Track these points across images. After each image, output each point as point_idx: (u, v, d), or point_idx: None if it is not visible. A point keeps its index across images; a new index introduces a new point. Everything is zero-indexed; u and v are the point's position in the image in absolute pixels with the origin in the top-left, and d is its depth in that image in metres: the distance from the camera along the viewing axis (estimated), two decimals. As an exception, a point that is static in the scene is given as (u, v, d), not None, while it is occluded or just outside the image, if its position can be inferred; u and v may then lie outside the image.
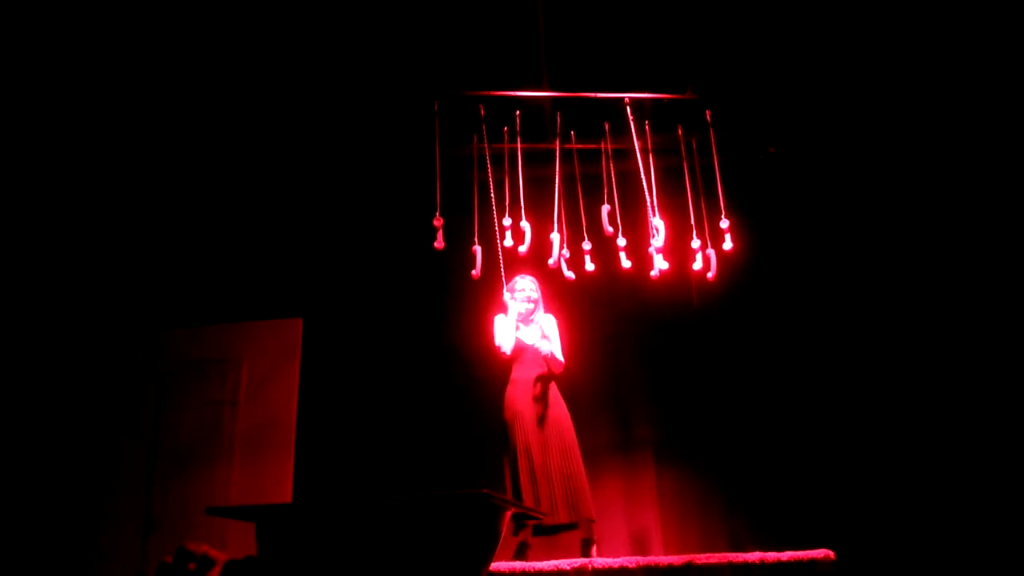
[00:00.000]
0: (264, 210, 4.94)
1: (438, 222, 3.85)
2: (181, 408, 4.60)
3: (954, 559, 3.95)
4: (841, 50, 4.31)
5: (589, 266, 4.05)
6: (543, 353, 3.82)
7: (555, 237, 3.97)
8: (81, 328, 4.71)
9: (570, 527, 3.67)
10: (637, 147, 4.10)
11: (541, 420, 3.77)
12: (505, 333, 3.87)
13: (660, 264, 3.94)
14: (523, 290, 4.01)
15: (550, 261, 3.94)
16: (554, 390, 3.90)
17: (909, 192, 4.65)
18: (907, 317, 4.52)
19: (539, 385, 3.85)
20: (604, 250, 4.12)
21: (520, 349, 3.91)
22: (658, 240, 3.95)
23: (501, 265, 3.92)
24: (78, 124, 4.48)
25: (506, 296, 3.94)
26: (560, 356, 3.94)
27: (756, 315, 4.66)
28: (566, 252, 4.02)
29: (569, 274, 4.01)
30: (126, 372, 4.70)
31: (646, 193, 4.04)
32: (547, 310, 4.09)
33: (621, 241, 4.02)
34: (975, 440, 4.21)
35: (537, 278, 4.09)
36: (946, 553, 3.98)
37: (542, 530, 3.66)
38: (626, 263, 3.99)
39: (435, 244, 3.83)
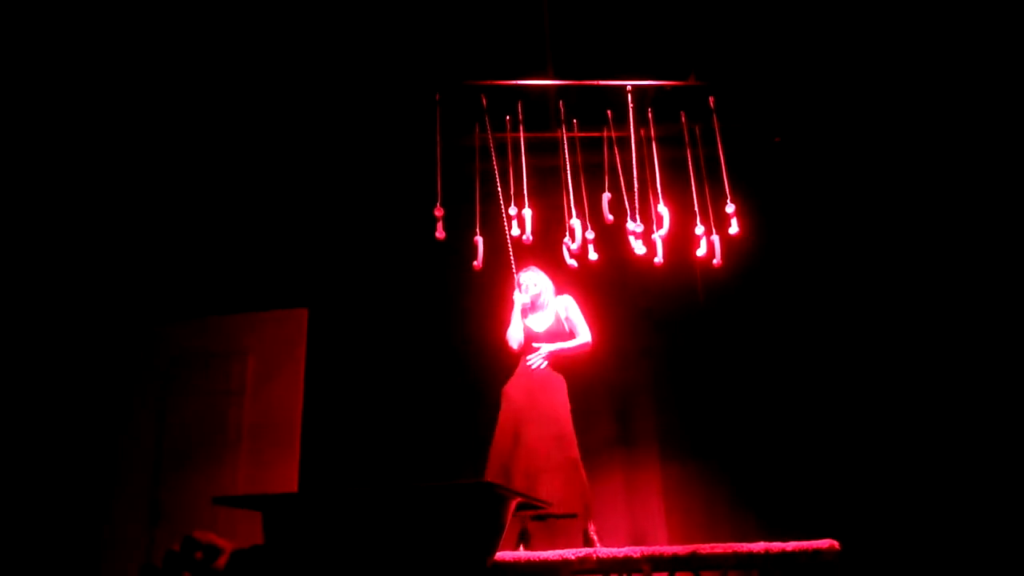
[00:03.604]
0: (268, 201, 4.94)
1: (439, 212, 3.86)
2: (187, 399, 4.62)
3: (957, 550, 3.95)
4: (845, 34, 4.28)
5: (592, 255, 4.05)
6: (543, 359, 3.85)
7: (576, 223, 3.98)
8: (86, 320, 4.73)
9: (544, 518, 3.68)
10: (635, 135, 4.09)
11: (535, 412, 3.76)
12: (513, 329, 3.92)
13: (659, 254, 3.94)
14: (525, 284, 4.04)
15: (572, 247, 3.94)
16: (556, 382, 3.88)
17: (916, 179, 4.63)
18: (912, 311, 4.50)
19: (539, 376, 3.86)
20: (609, 239, 4.11)
21: (532, 338, 3.94)
22: (661, 229, 3.96)
23: (511, 255, 3.93)
24: (83, 119, 4.48)
25: (516, 292, 3.99)
26: (586, 334, 3.96)
27: (761, 307, 4.65)
28: (568, 241, 4.02)
29: (572, 262, 4.02)
30: (132, 364, 4.72)
31: (648, 181, 4.03)
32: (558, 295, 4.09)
33: (633, 226, 4.01)
34: (979, 432, 4.20)
35: (543, 267, 4.10)
36: (950, 544, 3.98)
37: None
38: (639, 250, 3.98)
39: (436, 234, 3.84)
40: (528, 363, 3.88)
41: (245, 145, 4.77)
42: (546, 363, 3.89)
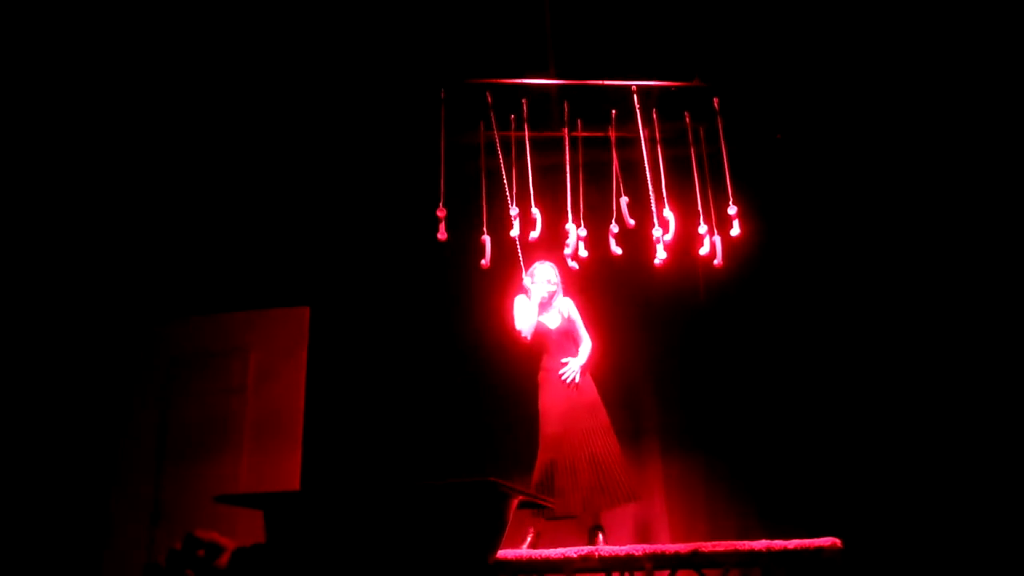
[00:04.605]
0: (271, 199, 4.94)
1: (441, 212, 3.84)
2: (189, 397, 4.63)
3: (959, 547, 3.95)
4: (848, 35, 4.28)
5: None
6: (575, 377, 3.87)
7: (571, 228, 3.96)
8: (88, 318, 4.73)
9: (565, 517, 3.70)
10: (643, 135, 4.08)
11: (571, 409, 3.78)
12: (526, 318, 3.87)
13: (661, 255, 3.94)
14: (543, 276, 3.99)
15: (567, 251, 3.93)
16: (584, 377, 3.90)
17: (918, 178, 4.62)
18: (914, 309, 4.50)
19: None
20: (612, 238, 4.11)
21: (544, 335, 3.92)
22: (667, 233, 3.94)
23: (520, 253, 3.92)
24: (83, 119, 4.48)
25: (526, 281, 3.94)
26: (588, 339, 3.98)
27: (764, 304, 4.64)
28: (569, 241, 4.02)
29: (573, 264, 4.01)
30: (133, 362, 4.73)
31: (651, 182, 4.03)
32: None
33: (614, 227, 4.02)
34: (980, 430, 4.20)
35: (555, 265, 4.08)
36: (952, 542, 3.98)
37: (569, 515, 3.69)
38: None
39: (438, 235, 3.82)
40: (565, 379, 3.85)
41: (247, 143, 4.77)
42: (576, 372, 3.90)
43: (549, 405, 3.82)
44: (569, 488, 3.61)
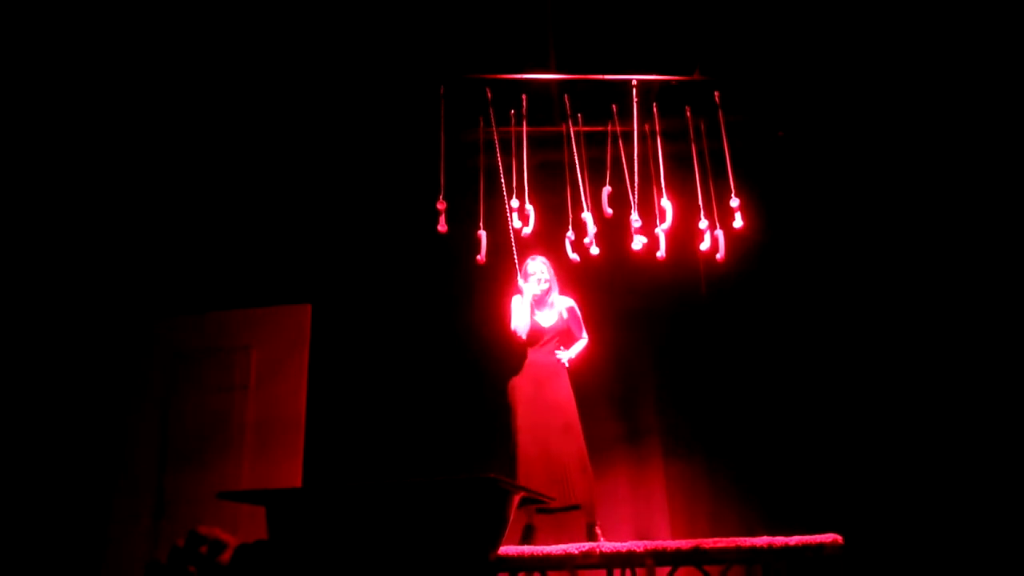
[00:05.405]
0: (272, 196, 4.94)
1: (441, 205, 3.86)
2: (191, 394, 4.63)
3: (960, 544, 3.95)
4: (849, 29, 4.26)
5: (594, 250, 4.05)
6: (565, 360, 3.95)
7: (587, 216, 3.98)
8: (90, 316, 4.74)
9: (566, 509, 3.70)
10: (638, 129, 4.07)
11: (544, 402, 3.79)
12: (521, 317, 3.89)
13: (637, 245, 3.96)
14: (534, 272, 4.01)
15: (586, 240, 3.94)
16: (562, 374, 3.92)
17: (920, 173, 4.61)
18: (915, 306, 4.49)
19: (547, 368, 3.88)
20: (613, 234, 4.10)
21: (538, 332, 3.93)
22: (664, 223, 3.95)
23: (514, 249, 3.92)
24: (85, 118, 4.48)
25: (520, 281, 3.96)
26: (585, 335, 4.06)
27: (765, 302, 4.64)
28: (571, 235, 4.02)
29: (574, 256, 4.01)
30: (136, 359, 4.73)
31: (640, 175, 4.03)
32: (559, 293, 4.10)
33: (636, 221, 4.02)
34: (981, 427, 4.20)
35: (548, 260, 4.10)
36: (952, 538, 3.98)
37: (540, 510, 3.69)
38: (637, 245, 3.98)
39: (438, 228, 3.84)
40: (562, 361, 3.93)
41: (249, 141, 4.77)
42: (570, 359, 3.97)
43: (531, 397, 3.82)
44: (551, 481, 3.62)
